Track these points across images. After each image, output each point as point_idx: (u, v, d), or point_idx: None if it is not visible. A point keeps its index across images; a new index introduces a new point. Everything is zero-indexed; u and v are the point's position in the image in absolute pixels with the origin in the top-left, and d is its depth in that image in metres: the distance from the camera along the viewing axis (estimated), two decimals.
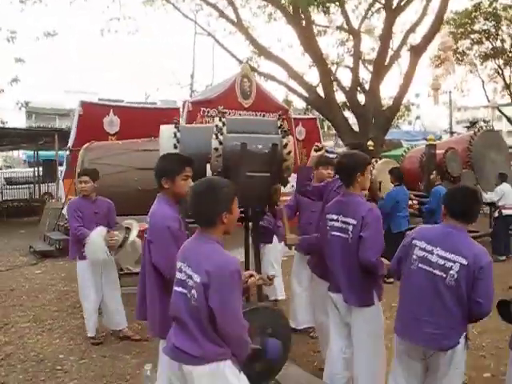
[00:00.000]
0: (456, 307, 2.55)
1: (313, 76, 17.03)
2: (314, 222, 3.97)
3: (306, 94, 15.23)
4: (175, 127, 3.65)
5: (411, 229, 8.33)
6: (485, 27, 22.18)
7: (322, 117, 16.22)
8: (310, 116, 16.43)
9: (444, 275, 2.54)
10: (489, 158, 9.42)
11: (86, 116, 10.44)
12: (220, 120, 3.32)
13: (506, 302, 2.71)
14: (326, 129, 22.56)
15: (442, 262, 2.56)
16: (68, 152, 10.41)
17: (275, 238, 5.44)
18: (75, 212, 4.69)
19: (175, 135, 3.56)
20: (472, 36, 22.63)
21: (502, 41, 22.94)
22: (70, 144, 10.34)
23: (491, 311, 2.58)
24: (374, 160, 8.55)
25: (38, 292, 6.75)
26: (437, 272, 2.57)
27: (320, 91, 14.94)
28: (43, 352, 4.51)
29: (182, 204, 3.12)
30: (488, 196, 8.68)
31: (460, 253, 2.53)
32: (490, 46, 23.30)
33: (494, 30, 22.16)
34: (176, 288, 2.20)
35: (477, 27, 22.12)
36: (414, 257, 2.67)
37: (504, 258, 8.42)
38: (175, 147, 3.52)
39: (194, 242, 2.22)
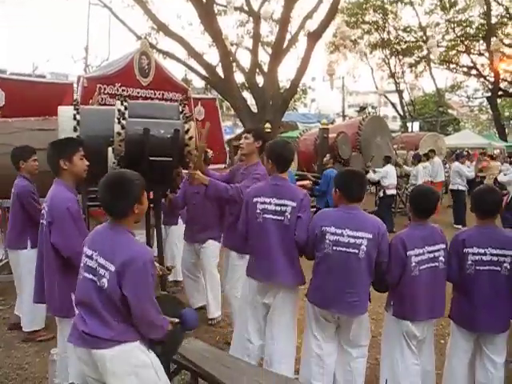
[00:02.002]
0: (368, 276, 2.95)
1: (213, 56, 17.08)
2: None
3: (205, 74, 15.22)
4: (75, 109, 3.56)
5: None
6: (374, 19, 23.77)
7: (221, 97, 16.34)
8: (210, 96, 16.45)
9: (356, 251, 2.86)
10: (374, 142, 10.28)
11: None
12: (122, 104, 3.30)
13: None
14: (224, 109, 22.76)
15: (352, 240, 2.88)
16: None
17: (180, 220, 5.56)
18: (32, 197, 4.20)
19: (75, 117, 3.49)
20: (363, 26, 24.13)
21: (389, 32, 24.78)
22: None
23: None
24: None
25: None
26: (350, 250, 2.88)
27: (219, 71, 15.03)
28: None
29: (80, 188, 3.13)
30: (373, 176, 9.51)
31: (365, 230, 2.89)
32: (379, 37, 25.06)
33: (381, 22, 23.82)
34: (85, 274, 2.23)
35: (367, 18, 23.60)
36: (328, 241, 2.94)
37: (388, 234, 9.31)
38: (75, 130, 3.46)
39: (106, 232, 2.27)
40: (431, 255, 2.96)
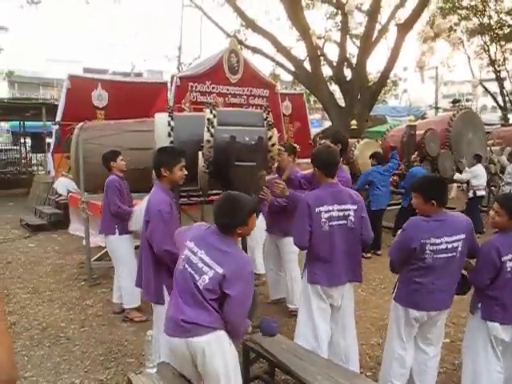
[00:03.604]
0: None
1: (300, 50, 17.13)
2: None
3: (292, 69, 15.35)
4: (169, 116, 3.94)
5: (389, 205, 8.87)
6: (473, 3, 22.26)
7: (308, 91, 16.39)
8: (297, 91, 16.58)
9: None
10: (466, 139, 9.81)
11: (74, 90, 10.52)
12: (211, 112, 3.60)
13: (464, 276, 3.17)
14: (312, 102, 22.75)
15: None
16: (57, 126, 10.51)
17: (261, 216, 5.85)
18: (117, 190, 4.93)
19: (169, 124, 3.86)
20: (460, 12, 22.71)
21: (489, 17, 23.08)
22: (58, 118, 10.44)
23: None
24: (355, 140, 8.91)
25: (33, 265, 7.05)
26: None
27: (307, 65, 15.08)
28: (45, 321, 4.87)
29: (175, 190, 3.50)
30: (460, 176, 9.13)
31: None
32: (477, 22, 23.45)
33: (481, 6, 22.26)
34: (186, 266, 2.52)
35: (465, 3, 22.17)
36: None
37: (478, 235, 8.91)
38: (169, 135, 3.83)
39: (214, 237, 2.53)
40: None
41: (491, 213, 3.14)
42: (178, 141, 3.77)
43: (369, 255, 7.29)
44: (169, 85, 11.59)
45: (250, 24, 15.57)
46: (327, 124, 18.70)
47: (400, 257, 3.11)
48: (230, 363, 2.49)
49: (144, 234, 3.29)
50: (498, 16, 23.64)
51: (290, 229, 3.71)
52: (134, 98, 10.34)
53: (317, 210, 3.23)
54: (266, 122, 3.62)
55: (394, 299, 3.21)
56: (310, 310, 3.39)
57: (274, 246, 5.03)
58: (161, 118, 3.96)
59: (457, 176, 9.17)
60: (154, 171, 3.27)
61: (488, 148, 10.71)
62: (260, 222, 5.84)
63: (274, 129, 3.58)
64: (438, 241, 2.91)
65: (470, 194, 9.11)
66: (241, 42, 15.47)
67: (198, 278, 2.44)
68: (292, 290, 4.87)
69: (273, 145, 3.51)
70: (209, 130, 3.49)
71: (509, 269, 2.97)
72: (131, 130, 6.12)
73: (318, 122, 26.21)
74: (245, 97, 12.03)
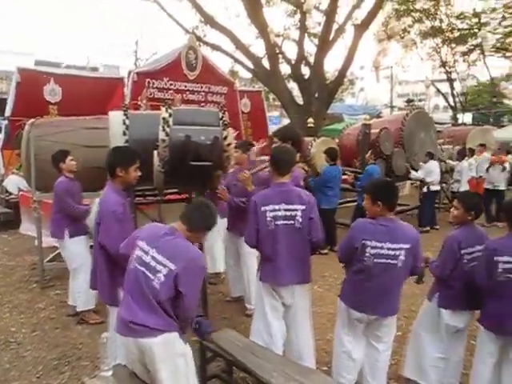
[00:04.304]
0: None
1: (259, 47, 17.20)
2: None
3: (251, 66, 15.39)
4: (124, 114, 3.86)
5: (346, 202, 9.07)
6: (425, 6, 23.00)
7: (266, 89, 16.47)
8: (256, 89, 16.62)
9: (395, 261, 3.02)
10: (418, 138, 10.16)
11: (25, 84, 10.05)
12: (167, 111, 3.57)
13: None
14: (271, 99, 22.88)
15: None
16: (6, 121, 10.09)
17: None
18: (66, 192, 4.80)
19: (124, 122, 3.79)
20: (413, 14, 23.42)
21: (441, 21, 23.93)
22: (7, 112, 10.01)
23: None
24: (312, 138, 9.06)
25: None
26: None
27: (266, 63, 15.16)
28: None
29: (130, 190, 3.46)
30: (416, 174, 9.46)
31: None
32: (430, 25, 24.26)
33: (433, 10, 23.03)
34: (138, 266, 2.52)
35: (418, 6, 22.89)
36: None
37: (428, 228, 9.26)
38: (124, 134, 3.76)
39: (166, 235, 2.57)
40: None
41: (452, 209, 3.42)
42: (134, 140, 3.71)
43: (325, 251, 7.43)
44: (125, 80, 11.36)
45: (208, 20, 15.48)
46: (286, 121, 18.85)
47: (344, 254, 3.24)
48: (180, 366, 2.51)
49: (97, 235, 3.23)
50: (449, 20, 24.58)
51: None
52: (90, 94, 10.07)
53: (262, 208, 3.28)
54: (221, 122, 3.63)
55: (339, 297, 3.33)
56: (263, 307, 3.45)
57: (233, 244, 5.05)
58: (115, 117, 3.88)
59: (413, 175, 9.51)
60: (107, 169, 3.21)
61: (439, 147, 11.13)
62: (218, 221, 5.87)
63: (230, 128, 3.60)
64: (379, 244, 3.00)
65: (425, 189, 9.44)
66: (199, 39, 15.35)
67: (152, 277, 2.43)
68: (249, 290, 4.90)
69: (228, 144, 3.53)
70: (164, 130, 3.46)
71: (465, 261, 3.24)
72: (87, 127, 5.96)
73: (277, 119, 26.38)
74: (203, 94, 11.94)
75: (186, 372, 2.53)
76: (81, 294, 4.75)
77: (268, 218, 3.28)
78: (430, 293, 3.51)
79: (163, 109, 3.64)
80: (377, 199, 3.05)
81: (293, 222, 3.28)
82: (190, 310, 2.52)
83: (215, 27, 15.26)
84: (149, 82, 10.85)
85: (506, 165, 10.06)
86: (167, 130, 3.45)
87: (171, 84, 11.31)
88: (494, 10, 23.78)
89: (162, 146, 3.45)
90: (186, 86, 11.61)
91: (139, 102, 8.83)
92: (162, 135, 3.45)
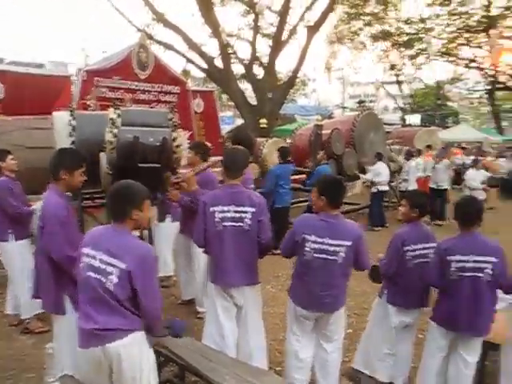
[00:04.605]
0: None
1: (213, 47, 17.11)
2: None
3: (204, 66, 15.30)
4: (70, 114, 3.74)
5: (299, 202, 9.18)
6: (376, 10, 23.65)
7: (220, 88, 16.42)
8: (209, 88, 16.54)
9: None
10: (368, 138, 10.45)
11: None
12: (115, 112, 3.48)
13: (376, 266, 3.57)
14: (224, 99, 22.82)
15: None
16: None
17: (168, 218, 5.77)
18: (9, 192, 4.49)
19: (70, 123, 3.67)
20: (363, 18, 24.02)
21: (389, 25, 24.69)
22: None
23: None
24: (264, 139, 9.12)
25: None
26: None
27: (219, 63, 15.12)
28: None
29: (78, 192, 3.34)
30: (366, 177, 9.73)
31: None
32: (380, 29, 24.97)
33: (382, 14, 23.71)
34: (89, 273, 2.40)
35: (368, 10, 23.49)
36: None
37: (379, 228, 9.51)
38: (70, 135, 3.64)
39: (109, 233, 2.47)
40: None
41: (400, 207, 3.59)
42: (80, 141, 3.60)
43: (278, 251, 7.46)
44: (74, 78, 11.01)
45: (160, 18, 15.26)
46: (239, 121, 18.90)
47: (285, 247, 3.28)
48: (146, 366, 2.44)
49: (40, 240, 3.10)
50: (397, 24, 25.41)
51: None
52: (35, 92, 9.68)
53: (211, 209, 3.25)
54: (171, 123, 3.57)
55: (288, 293, 3.36)
56: (215, 309, 3.42)
57: (185, 246, 4.98)
58: (61, 117, 3.75)
59: (362, 177, 9.80)
60: (51, 171, 3.07)
61: (388, 147, 11.48)
62: (168, 225, 5.79)
63: (180, 129, 3.55)
64: (319, 239, 3.04)
65: (374, 190, 9.70)
66: (151, 37, 15.13)
67: (104, 280, 2.35)
68: (201, 293, 4.86)
69: (178, 146, 3.48)
70: (111, 131, 3.37)
71: (409, 258, 3.36)
72: (32, 127, 5.73)
73: (230, 119, 26.37)
74: (155, 93, 11.74)
75: (150, 374, 2.46)
76: (24, 300, 4.51)
77: (216, 219, 3.25)
78: (381, 290, 3.64)
79: (111, 109, 3.55)
80: (321, 194, 3.09)
81: (241, 223, 3.26)
82: (152, 308, 2.42)
83: (167, 26, 15.08)
84: (98, 80, 10.56)
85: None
86: (115, 131, 3.36)
87: (122, 83, 11.04)
88: (438, 16, 24.82)
89: (110, 147, 3.37)
90: (137, 86, 11.38)
91: (88, 102, 8.57)
92: (108, 137, 3.37)
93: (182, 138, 3.55)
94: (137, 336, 2.40)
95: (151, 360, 2.49)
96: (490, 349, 3.45)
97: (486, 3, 22.55)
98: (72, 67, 16.70)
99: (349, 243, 3.04)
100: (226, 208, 3.25)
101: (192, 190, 3.82)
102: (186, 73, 17.02)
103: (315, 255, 3.05)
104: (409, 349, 3.64)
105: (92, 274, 2.40)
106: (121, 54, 11.33)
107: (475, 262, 3.06)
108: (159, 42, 15.67)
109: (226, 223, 3.25)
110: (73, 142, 3.57)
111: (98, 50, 22.18)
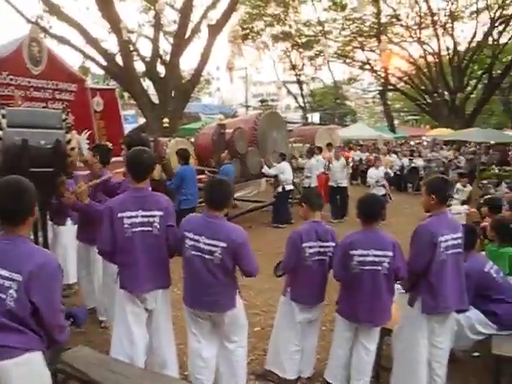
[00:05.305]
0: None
1: (112, 43, 16.45)
2: None
3: (104, 62, 14.67)
4: None
5: (201, 203, 9.14)
6: (276, 12, 24.37)
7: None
8: (109, 86, 15.88)
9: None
10: (271, 137, 10.72)
11: None
12: None
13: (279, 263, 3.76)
14: (126, 98, 22.07)
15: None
16: None
17: (69, 221, 5.48)
18: None
19: None
20: (265, 18, 24.64)
21: (290, 26, 25.58)
22: None
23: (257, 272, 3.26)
24: (167, 139, 8.98)
25: None
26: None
27: (119, 60, 14.58)
28: None
29: None
30: (268, 170, 9.96)
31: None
32: (280, 30, 25.78)
33: (283, 16, 24.51)
34: None
35: (269, 11, 24.14)
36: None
37: (285, 225, 9.73)
38: None
39: (4, 245, 2.22)
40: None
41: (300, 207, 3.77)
42: None
43: None
44: None
45: (54, 10, 14.33)
46: (142, 120, 18.40)
47: (176, 245, 3.28)
48: None
49: None
50: (297, 26, 26.41)
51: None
52: None
53: (119, 215, 3.14)
54: (64, 124, 3.37)
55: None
56: (125, 315, 3.30)
57: (85, 254, 4.74)
58: None
59: (265, 169, 9.98)
60: None
61: (290, 145, 11.87)
62: (69, 228, 5.48)
63: (74, 131, 3.37)
64: (196, 237, 3.09)
65: (279, 189, 9.96)
66: (45, 30, 14.16)
67: (4, 296, 2.13)
68: (101, 301, 4.67)
69: (72, 149, 3.30)
70: None
71: (307, 254, 3.50)
72: None
73: (133, 117, 25.56)
74: (50, 91, 10.98)
75: None
76: None
77: (125, 225, 3.14)
78: (284, 288, 3.74)
79: None
80: (204, 197, 3.21)
81: (150, 228, 3.18)
82: (53, 324, 2.23)
83: (62, 18, 14.20)
84: None
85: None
86: (0, 133, 3.10)
87: (12, 79, 10.19)
88: (335, 20, 26.19)
89: None
90: (29, 82, 10.51)
91: None
92: None
93: (81, 138, 3.36)
94: (32, 356, 2.22)
95: (46, 381, 2.32)
96: (386, 334, 3.70)
97: (376, 11, 24.21)
98: None
99: (224, 245, 3.04)
100: (134, 213, 3.15)
101: (84, 204, 3.70)
102: (84, 70, 16.18)
103: (192, 253, 3.09)
104: (314, 342, 3.81)
105: None
106: (10, 47, 10.42)
107: (375, 256, 3.26)
108: (53, 36, 14.70)
109: (135, 229, 3.15)
110: None
111: None
